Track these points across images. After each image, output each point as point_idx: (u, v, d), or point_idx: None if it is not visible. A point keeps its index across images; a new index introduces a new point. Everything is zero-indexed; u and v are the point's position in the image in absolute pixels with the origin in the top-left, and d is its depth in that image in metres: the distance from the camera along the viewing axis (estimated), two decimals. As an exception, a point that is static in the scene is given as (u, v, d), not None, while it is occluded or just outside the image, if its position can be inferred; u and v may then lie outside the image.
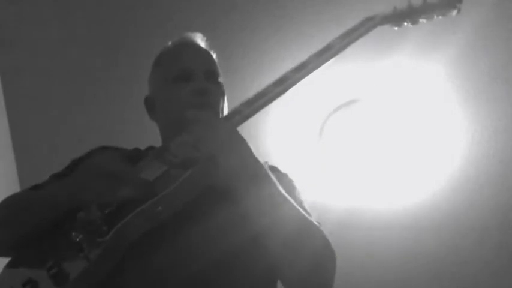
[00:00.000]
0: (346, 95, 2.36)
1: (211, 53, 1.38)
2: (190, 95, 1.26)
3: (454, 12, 1.29)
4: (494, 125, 2.38)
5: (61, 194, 1.13)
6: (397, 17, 1.32)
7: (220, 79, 1.34)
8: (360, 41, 2.15)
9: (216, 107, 1.28)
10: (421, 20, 1.31)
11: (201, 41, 1.38)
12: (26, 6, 2.14)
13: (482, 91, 2.31)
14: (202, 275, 1.05)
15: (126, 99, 2.24)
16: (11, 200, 1.21)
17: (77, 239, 1.02)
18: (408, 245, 2.63)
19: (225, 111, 1.32)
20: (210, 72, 1.31)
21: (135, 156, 1.20)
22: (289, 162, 2.29)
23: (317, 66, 1.20)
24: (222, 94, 1.31)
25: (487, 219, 2.57)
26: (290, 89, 1.19)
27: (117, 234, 1.02)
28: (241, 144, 1.10)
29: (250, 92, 1.16)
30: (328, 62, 1.23)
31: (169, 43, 1.40)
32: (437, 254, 2.66)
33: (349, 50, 2.14)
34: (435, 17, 1.30)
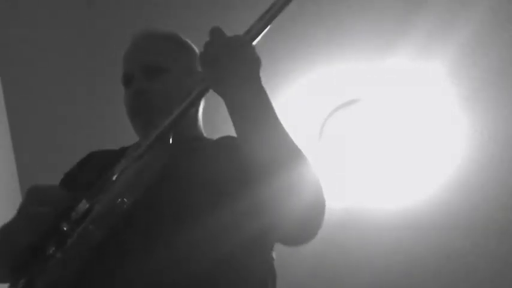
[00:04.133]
0: (346, 95, 2.36)
1: (161, 41, 1.33)
2: (129, 99, 1.27)
3: None
4: (494, 125, 2.38)
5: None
6: None
7: (168, 69, 1.28)
8: (360, 40, 2.16)
9: (156, 104, 1.23)
10: None
11: (146, 33, 1.34)
12: (26, 6, 2.14)
13: (483, 91, 2.30)
14: (197, 275, 1.04)
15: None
16: None
17: (50, 252, 1.03)
18: (408, 245, 2.63)
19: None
20: (149, 68, 1.27)
21: (119, 155, 1.20)
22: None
23: (264, 28, 1.13)
24: (163, 87, 1.26)
25: (488, 219, 2.57)
26: None
27: (78, 239, 1.02)
28: (248, 54, 1.07)
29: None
30: (275, 19, 1.15)
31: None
32: (437, 254, 2.66)
33: (349, 50, 2.16)
34: None
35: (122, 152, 1.22)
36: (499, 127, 2.38)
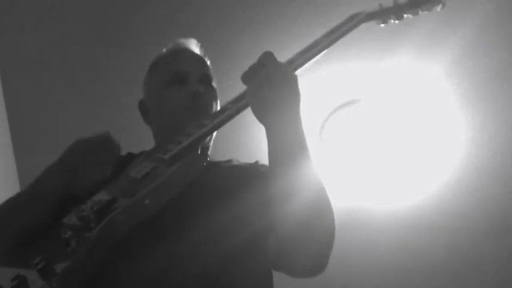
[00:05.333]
0: (346, 95, 2.36)
1: (206, 59, 1.40)
2: (185, 99, 1.28)
3: (439, 7, 1.29)
4: (494, 125, 2.38)
5: (46, 184, 1.14)
6: (382, 14, 1.32)
7: (214, 84, 1.36)
8: (361, 40, 2.16)
9: (210, 111, 1.29)
10: (405, 16, 1.31)
11: (195, 47, 1.41)
12: (26, 7, 2.14)
13: (482, 91, 2.31)
14: (200, 274, 1.05)
15: (127, 99, 2.23)
16: None
17: (66, 236, 1.03)
18: (408, 245, 2.63)
19: None
20: (205, 77, 1.33)
21: (128, 160, 1.22)
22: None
23: (303, 63, 1.20)
24: (215, 98, 1.33)
25: (488, 220, 2.57)
26: None
27: (104, 228, 1.03)
28: (292, 85, 1.11)
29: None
30: (315, 60, 1.22)
31: (164, 50, 1.42)
32: (437, 254, 2.66)
33: (349, 50, 2.16)
34: (420, 12, 1.30)
35: (131, 158, 1.23)
36: (499, 127, 2.38)
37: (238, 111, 1.17)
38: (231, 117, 1.18)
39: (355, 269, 2.65)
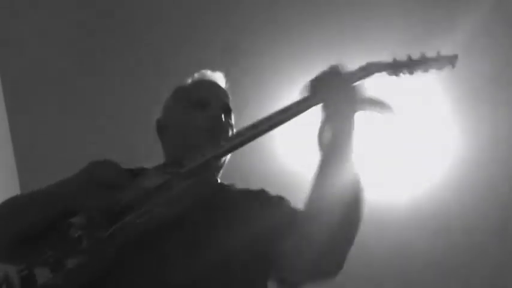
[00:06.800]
0: (345, 95, 2.36)
1: (228, 93, 1.46)
2: (207, 120, 1.33)
3: (449, 67, 1.35)
4: (492, 125, 2.39)
5: (55, 194, 1.15)
6: (395, 67, 1.40)
7: (232, 117, 1.41)
8: (360, 41, 2.17)
9: (227, 137, 1.34)
10: (416, 72, 1.37)
11: (220, 79, 1.47)
12: (27, 8, 2.15)
13: (481, 91, 2.31)
14: (202, 279, 1.09)
15: (126, 100, 2.25)
16: (5, 202, 1.21)
17: (76, 235, 1.05)
18: (407, 244, 2.64)
19: None
20: (226, 107, 1.39)
21: (131, 176, 1.23)
22: (289, 162, 2.30)
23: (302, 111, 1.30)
24: (232, 129, 1.39)
25: (487, 219, 2.58)
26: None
27: (117, 231, 1.07)
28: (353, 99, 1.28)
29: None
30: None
31: (190, 79, 1.47)
32: (436, 254, 2.67)
33: (349, 50, 2.16)
34: (431, 70, 1.37)
35: (135, 173, 1.25)
36: (498, 127, 2.39)
37: (254, 137, 1.22)
38: (246, 142, 1.22)
39: (354, 269, 2.65)
